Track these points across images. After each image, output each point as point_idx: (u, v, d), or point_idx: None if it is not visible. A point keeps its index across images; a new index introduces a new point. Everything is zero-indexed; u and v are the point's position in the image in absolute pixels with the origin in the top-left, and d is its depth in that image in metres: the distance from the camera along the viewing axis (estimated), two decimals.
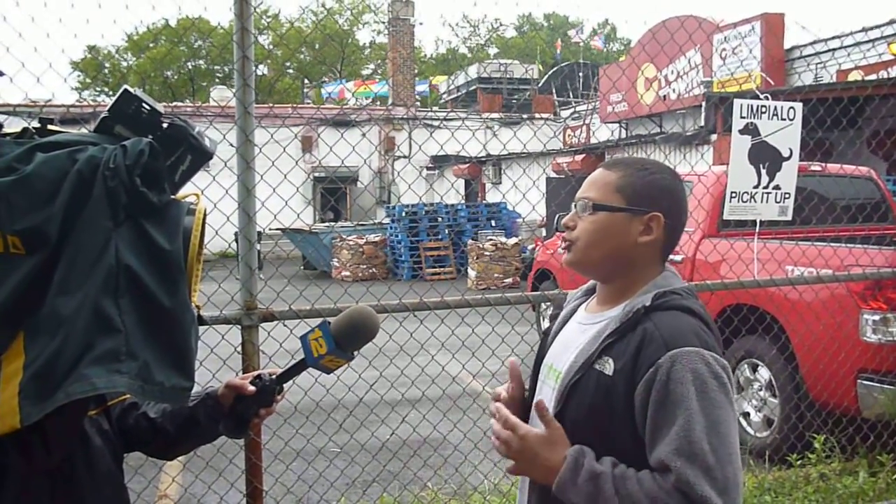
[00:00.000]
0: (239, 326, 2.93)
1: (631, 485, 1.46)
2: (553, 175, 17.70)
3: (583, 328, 1.68)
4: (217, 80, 40.30)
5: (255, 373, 1.71)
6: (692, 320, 1.55)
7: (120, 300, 1.32)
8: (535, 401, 1.60)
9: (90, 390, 1.27)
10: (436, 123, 22.72)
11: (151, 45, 39.32)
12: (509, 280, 15.54)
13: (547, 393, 1.68)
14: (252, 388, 1.66)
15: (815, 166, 6.24)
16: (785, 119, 3.83)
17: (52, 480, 1.44)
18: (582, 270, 1.70)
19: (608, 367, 1.54)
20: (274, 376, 1.68)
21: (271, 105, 20.41)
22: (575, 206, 1.69)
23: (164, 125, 1.45)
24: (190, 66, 42.70)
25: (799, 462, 4.28)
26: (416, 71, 30.69)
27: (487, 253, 15.68)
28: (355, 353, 1.62)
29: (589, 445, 1.53)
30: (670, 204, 1.65)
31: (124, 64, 42.36)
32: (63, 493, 1.46)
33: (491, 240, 15.98)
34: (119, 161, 1.35)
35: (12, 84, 2.48)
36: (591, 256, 1.66)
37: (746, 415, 5.30)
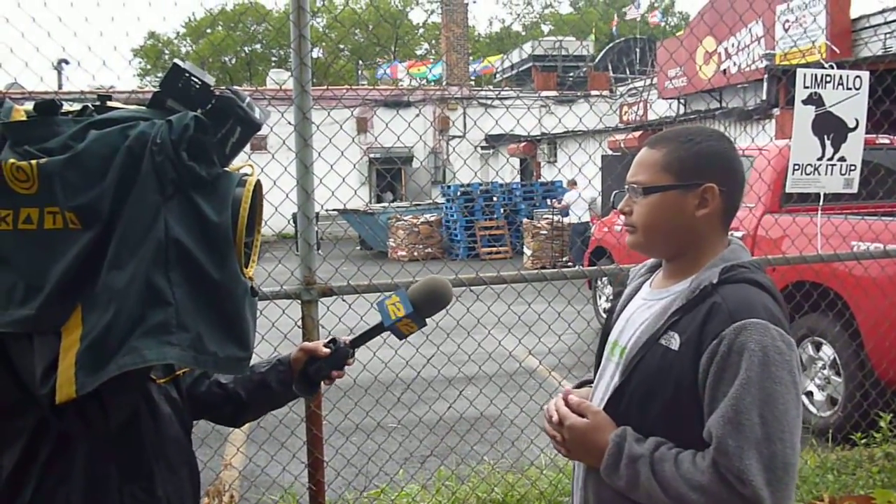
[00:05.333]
0: (299, 301, 2.99)
1: (668, 467, 1.43)
2: (610, 153, 17.45)
3: (648, 304, 1.66)
4: (273, 64, 40.75)
5: (330, 337, 1.77)
6: (760, 293, 1.51)
7: (170, 273, 1.34)
8: (564, 393, 1.65)
9: (140, 362, 1.30)
10: (489, 102, 22.57)
11: (209, 30, 39.93)
12: (565, 258, 15.42)
13: (610, 370, 1.67)
14: (326, 350, 1.73)
15: (883, 139, 6.03)
16: (850, 88, 3.71)
17: (117, 447, 1.48)
18: (646, 252, 1.68)
19: (674, 342, 1.51)
20: (348, 340, 1.75)
21: (326, 86, 20.55)
22: (627, 190, 1.66)
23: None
24: (247, 51, 43.25)
25: (863, 441, 4.18)
26: (469, 50, 30.51)
27: (543, 231, 15.58)
28: (427, 320, 1.70)
29: (653, 423, 1.51)
30: (722, 170, 1.60)
31: (183, 50, 43.14)
32: (129, 459, 1.50)
33: (547, 218, 15.87)
34: (164, 136, 1.36)
35: (79, 68, 2.58)
36: (653, 238, 1.63)
37: (810, 394, 5.20)
